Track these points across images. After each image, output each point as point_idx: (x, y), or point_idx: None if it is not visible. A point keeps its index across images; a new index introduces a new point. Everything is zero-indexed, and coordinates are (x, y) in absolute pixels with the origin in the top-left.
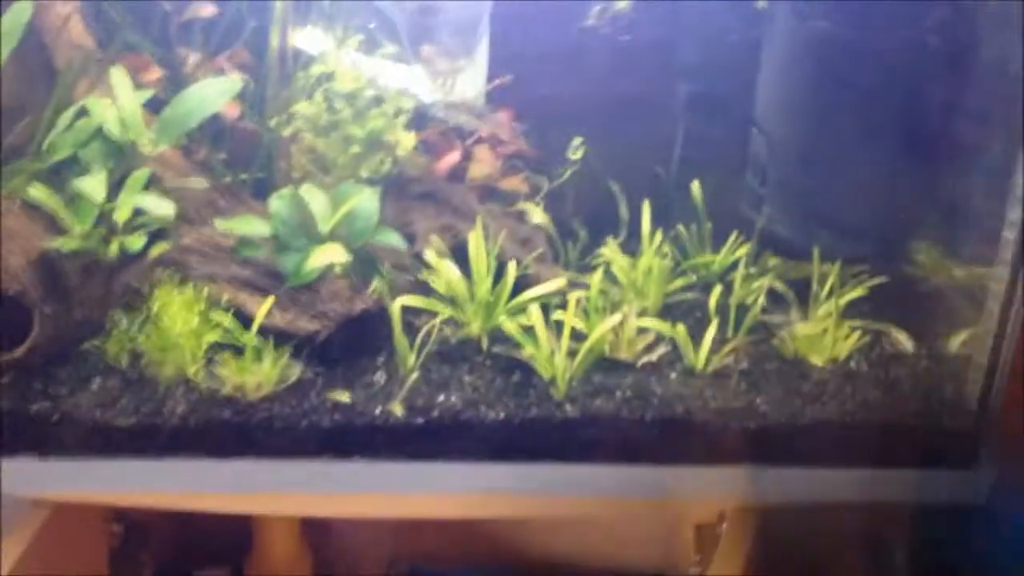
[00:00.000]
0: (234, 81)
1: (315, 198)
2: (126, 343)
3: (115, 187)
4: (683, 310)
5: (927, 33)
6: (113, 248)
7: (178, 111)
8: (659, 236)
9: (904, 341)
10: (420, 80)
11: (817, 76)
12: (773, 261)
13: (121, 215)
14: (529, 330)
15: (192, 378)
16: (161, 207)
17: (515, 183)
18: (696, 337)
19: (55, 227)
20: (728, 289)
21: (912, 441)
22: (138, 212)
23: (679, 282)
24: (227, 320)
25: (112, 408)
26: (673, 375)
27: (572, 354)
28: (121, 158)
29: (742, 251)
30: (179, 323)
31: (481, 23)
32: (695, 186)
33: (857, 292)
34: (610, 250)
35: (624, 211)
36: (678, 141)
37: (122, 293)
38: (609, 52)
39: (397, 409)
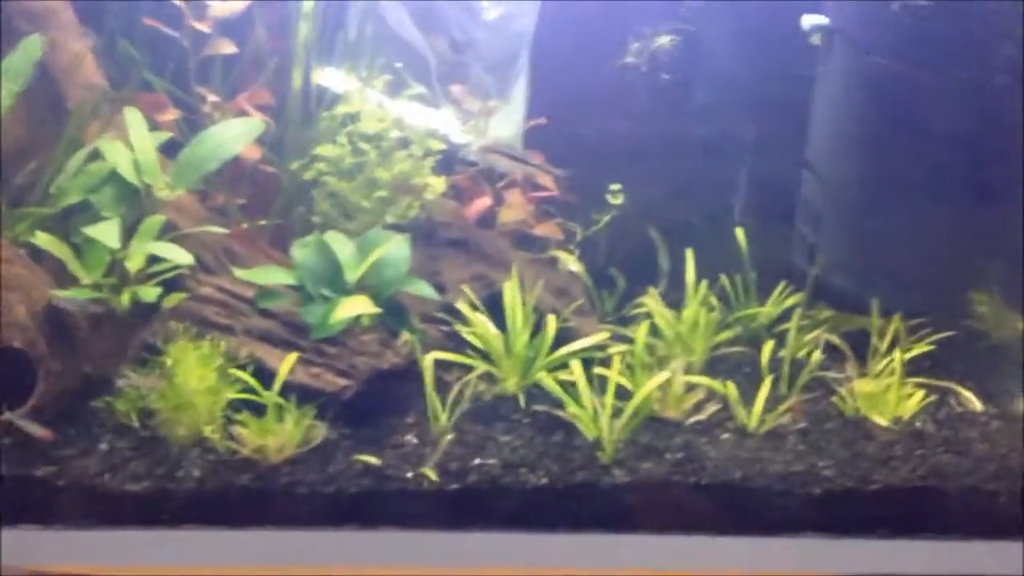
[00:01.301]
0: (255, 123)
1: (341, 246)
2: (138, 401)
3: (127, 234)
4: (730, 365)
5: (995, 72)
6: (125, 299)
7: (196, 154)
8: (704, 286)
9: (972, 400)
10: (450, 121)
11: (876, 116)
12: (826, 313)
13: (134, 264)
14: (569, 386)
15: (208, 439)
16: (178, 255)
17: (549, 228)
18: (747, 394)
19: (64, 276)
20: (778, 342)
21: (991, 509)
22: (152, 260)
23: (725, 334)
24: (246, 376)
25: (122, 472)
26: (725, 435)
27: (616, 412)
28: (135, 203)
29: (790, 302)
30: (195, 379)
31: (519, 60)
32: (739, 233)
33: (923, 348)
34: (652, 301)
35: (664, 260)
36: (721, 185)
37: (134, 347)
38: (648, 92)
39: (431, 473)
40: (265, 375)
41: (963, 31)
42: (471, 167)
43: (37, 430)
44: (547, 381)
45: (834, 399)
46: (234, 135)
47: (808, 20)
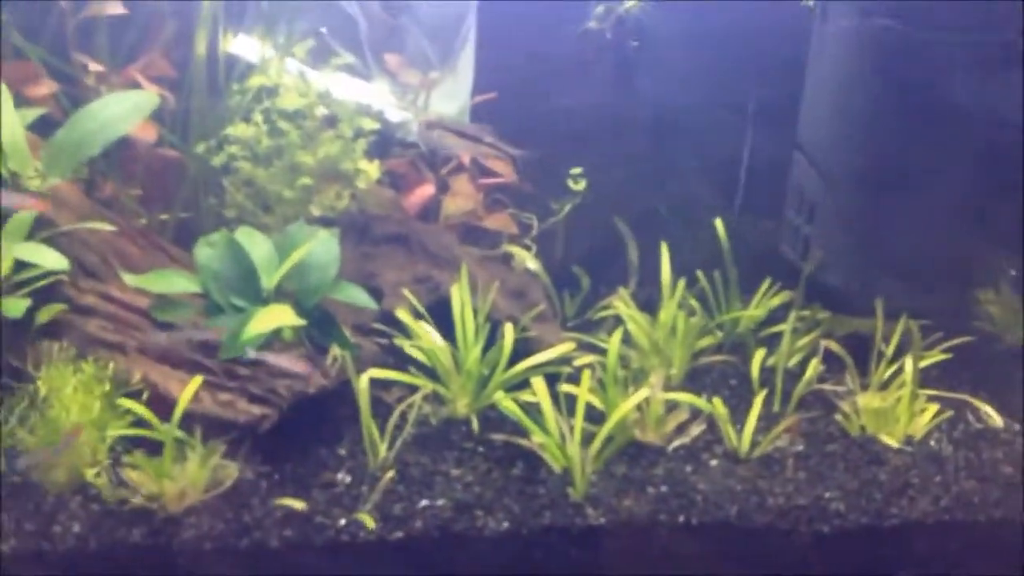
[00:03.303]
0: (148, 97)
1: (256, 244)
2: (4, 439)
3: None
4: (714, 377)
5: (1017, 35)
6: None
7: (75, 135)
8: (681, 286)
9: (991, 414)
10: (384, 95)
11: (882, 91)
12: (823, 315)
13: None
14: (531, 408)
15: (92, 485)
16: (50, 259)
17: (501, 221)
18: (736, 411)
19: None
20: (763, 350)
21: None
22: (21, 266)
23: (707, 340)
24: (139, 407)
25: None
26: (714, 462)
27: (588, 438)
28: None
29: (776, 301)
30: (75, 411)
31: (464, 25)
32: (719, 224)
33: (937, 356)
34: (623, 304)
35: (634, 255)
36: (695, 169)
37: None
38: (614, 61)
39: (367, 519)
40: (163, 404)
41: None
42: (410, 149)
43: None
44: (505, 403)
45: (837, 416)
46: (122, 112)
47: None
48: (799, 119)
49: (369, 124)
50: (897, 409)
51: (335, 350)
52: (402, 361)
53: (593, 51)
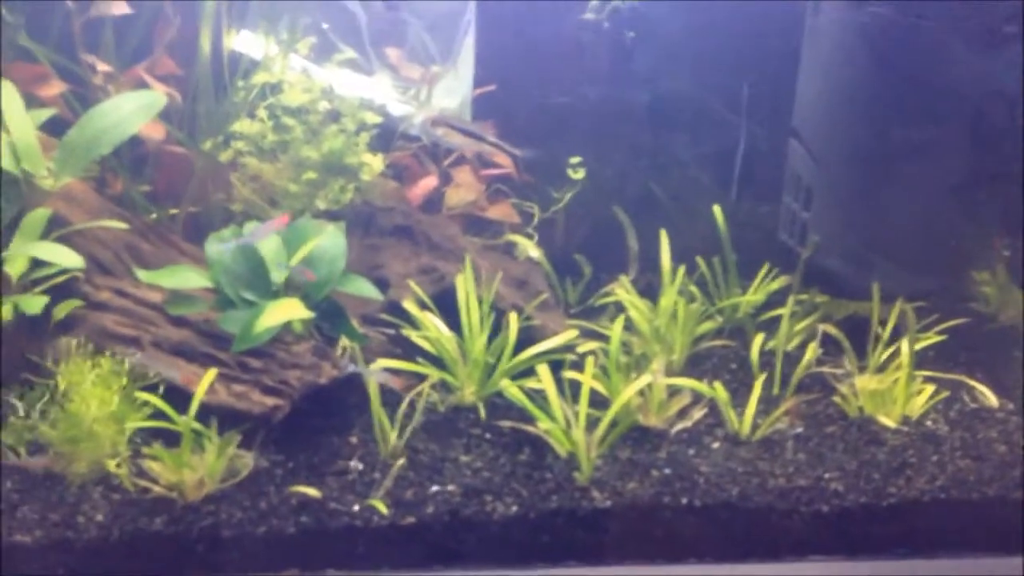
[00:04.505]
0: (155, 96)
1: (265, 239)
2: (25, 432)
3: (6, 232)
4: (714, 362)
5: (1007, 23)
6: (5, 311)
7: (85, 134)
8: (681, 272)
9: (987, 394)
10: (386, 90)
11: (876, 76)
12: (821, 299)
13: (15, 268)
14: (536, 394)
15: (113, 475)
16: (66, 257)
17: (503, 211)
18: (736, 395)
19: None
20: (762, 334)
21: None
22: (38, 264)
23: (707, 326)
24: (156, 399)
25: (8, 519)
26: (716, 445)
27: (592, 423)
28: (13, 195)
29: (775, 286)
30: (94, 405)
31: (464, 18)
32: (717, 210)
33: (933, 338)
34: (624, 291)
35: (633, 242)
36: (692, 157)
37: (18, 368)
38: (611, 51)
39: (380, 505)
40: (179, 397)
41: None
42: (413, 143)
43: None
44: (511, 390)
45: (835, 398)
46: (130, 111)
47: None
48: (794, 106)
49: (372, 118)
50: (894, 390)
51: (344, 342)
52: (409, 350)
53: (590, 41)
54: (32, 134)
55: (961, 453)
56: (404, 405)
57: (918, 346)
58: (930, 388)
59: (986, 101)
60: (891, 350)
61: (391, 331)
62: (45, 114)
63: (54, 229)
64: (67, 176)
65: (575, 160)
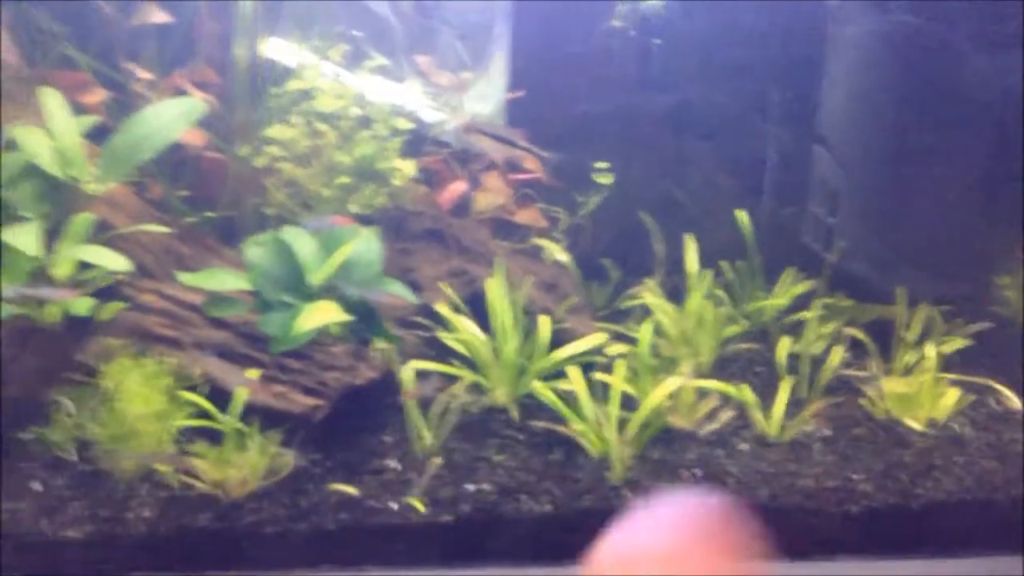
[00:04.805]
0: (195, 104)
1: (302, 244)
2: (74, 430)
3: (53, 236)
4: (741, 364)
5: None
6: (53, 312)
7: (128, 141)
8: (708, 276)
9: (1011, 397)
10: (418, 96)
11: (901, 83)
12: (846, 303)
13: (61, 271)
14: (567, 396)
15: (159, 472)
16: (112, 261)
17: (531, 215)
18: (763, 397)
19: None
20: (788, 337)
21: None
22: (84, 266)
23: (733, 329)
24: (200, 399)
25: (60, 516)
26: (744, 446)
27: (622, 423)
28: (59, 200)
29: (799, 290)
30: (139, 404)
31: (496, 27)
32: (742, 216)
33: (959, 342)
34: (651, 294)
35: (660, 246)
36: (719, 161)
37: (66, 368)
38: (638, 58)
39: (417, 503)
40: (221, 397)
41: None
42: (443, 148)
43: None
44: (543, 392)
45: (862, 401)
46: (171, 118)
47: None
48: (820, 113)
49: (403, 124)
50: (921, 393)
51: (378, 343)
52: (441, 352)
53: (618, 48)
54: (77, 141)
55: (987, 455)
56: (438, 406)
57: (943, 349)
58: (956, 391)
59: (1009, 107)
60: (917, 354)
61: (424, 333)
62: (89, 121)
63: (98, 233)
64: (111, 181)
65: (602, 165)
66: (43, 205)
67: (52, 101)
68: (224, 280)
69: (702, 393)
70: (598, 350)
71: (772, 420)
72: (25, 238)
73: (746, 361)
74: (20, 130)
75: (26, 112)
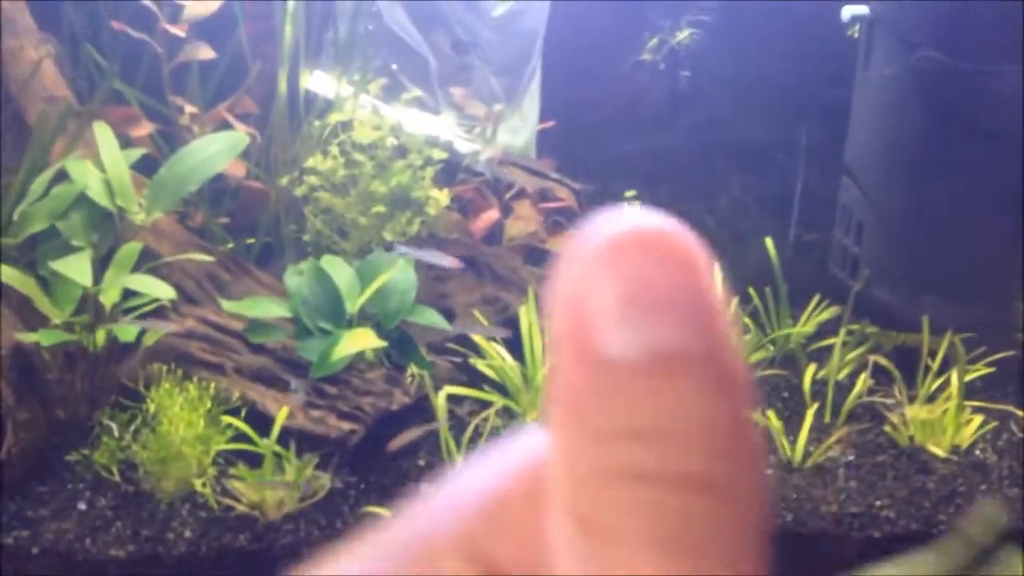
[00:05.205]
0: (239, 138)
1: (340, 272)
2: (118, 452)
3: (101, 263)
4: (766, 390)
5: None
6: (100, 338)
7: (175, 173)
8: (735, 304)
9: None
10: (452, 127)
11: (926, 116)
12: (871, 330)
13: (109, 298)
14: None
15: (200, 494)
16: (158, 289)
17: (562, 243)
18: (788, 423)
19: (30, 313)
20: (814, 364)
21: None
22: (129, 293)
23: (759, 355)
24: (239, 422)
25: (104, 535)
26: (769, 471)
27: None
28: (108, 229)
29: (824, 316)
30: (182, 427)
31: (529, 62)
32: (769, 243)
33: (982, 370)
34: None
35: None
36: (748, 192)
37: (112, 392)
38: (666, 91)
39: None
40: (260, 420)
41: None
42: (476, 177)
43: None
44: None
45: (886, 427)
46: (217, 151)
47: (847, 11)
48: (847, 145)
49: (438, 154)
50: (944, 420)
51: (413, 368)
52: (473, 378)
53: (646, 82)
54: (126, 172)
55: (1009, 482)
56: (470, 431)
57: (967, 377)
58: (979, 418)
59: None
60: (940, 381)
61: (457, 359)
62: (136, 153)
63: (144, 261)
64: (157, 212)
65: (630, 194)
66: (92, 234)
67: (103, 135)
68: (266, 308)
69: None
70: None
71: (797, 446)
72: (78, 267)
73: (772, 387)
74: (72, 163)
75: (77, 146)
